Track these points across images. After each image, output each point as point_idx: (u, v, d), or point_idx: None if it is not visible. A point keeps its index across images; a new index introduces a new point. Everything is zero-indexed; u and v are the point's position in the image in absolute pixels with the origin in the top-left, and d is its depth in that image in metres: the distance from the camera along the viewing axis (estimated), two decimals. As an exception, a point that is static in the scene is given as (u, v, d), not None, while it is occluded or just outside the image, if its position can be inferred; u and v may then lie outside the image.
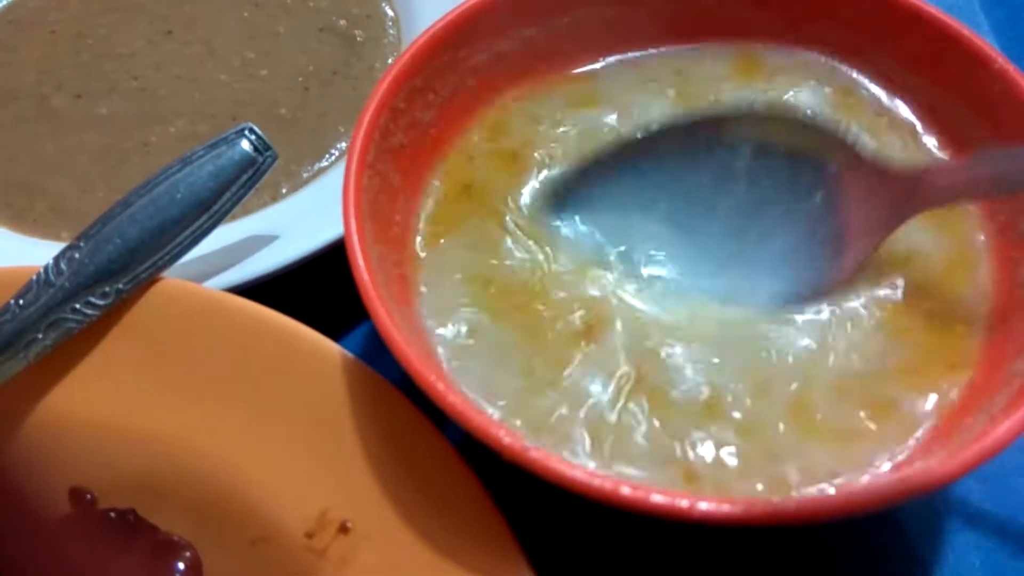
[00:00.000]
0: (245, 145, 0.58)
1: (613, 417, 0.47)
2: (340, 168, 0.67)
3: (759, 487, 0.45)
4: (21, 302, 0.55)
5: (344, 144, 0.70)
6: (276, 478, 0.52)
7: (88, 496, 0.54)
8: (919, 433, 0.47)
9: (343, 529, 0.50)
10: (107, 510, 0.53)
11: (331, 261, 0.59)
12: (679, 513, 0.40)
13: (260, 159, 0.58)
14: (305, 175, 0.69)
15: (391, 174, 0.54)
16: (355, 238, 0.48)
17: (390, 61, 0.74)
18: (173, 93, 0.75)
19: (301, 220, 0.64)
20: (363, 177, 0.51)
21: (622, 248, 0.53)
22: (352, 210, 0.49)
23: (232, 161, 0.58)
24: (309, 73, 0.75)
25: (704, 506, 0.40)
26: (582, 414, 0.47)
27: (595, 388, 0.48)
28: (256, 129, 0.58)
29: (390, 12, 0.79)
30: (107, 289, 0.57)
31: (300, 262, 0.60)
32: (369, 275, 0.46)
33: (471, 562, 0.47)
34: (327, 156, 0.70)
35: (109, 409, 0.55)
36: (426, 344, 0.49)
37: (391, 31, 0.78)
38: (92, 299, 0.56)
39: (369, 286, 0.46)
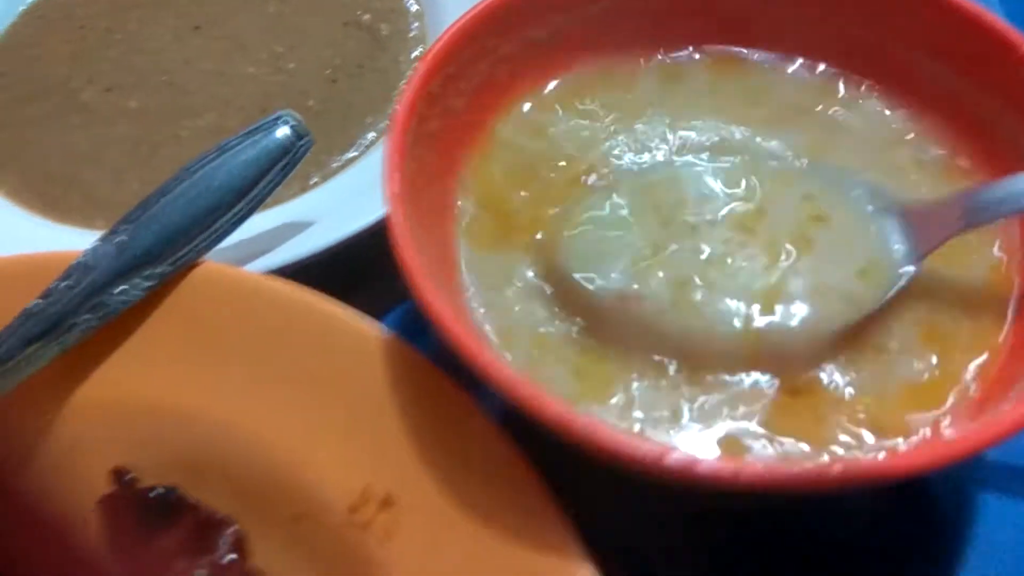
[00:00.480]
0: (284, 131, 0.59)
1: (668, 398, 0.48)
2: (368, 157, 0.69)
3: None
4: (64, 285, 0.56)
5: (372, 135, 0.72)
6: (318, 455, 0.53)
7: (129, 475, 0.55)
8: (949, 404, 0.48)
9: (386, 503, 0.51)
10: (148, 488, 0.54)
11: (362, 248, 0.60)
12: (725, 480, 0.41)
13: (298, 145, 0.59)
14: (335, 165, 0.70)
15: (428, 158, 0.55)
16: (398, 219, 0.49)
17: (415, 55, 0.75)
18: (202, 87, 0.76)
19: (334, 208, 0.65)
20: (403, 160, 0.52)
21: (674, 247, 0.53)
22: (394, 192, 0.50)
23: (270, 147, 0.59)
24: (336, 66, 0.76)
25: (750, 472, 0.41)
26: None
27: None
28: (295, 115, 0.59)
29: (414, 6, 0.80)
30: (148, 272, 0.58)
31: (334, 248, 0.61)
32: (414, 255, 0.47)
33: (515, 533, 0.48)
34: (355, 146, 0.71)
35: (151, 390, 0.56)
36: (469, 321, 0.50)
37: (415, 25, 0.79)
38: (133, 282, 0.57)
39: (414, 265, 0.47)
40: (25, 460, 0.57)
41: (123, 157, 0.72)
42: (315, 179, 0.69)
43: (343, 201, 0.65)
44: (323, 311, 0.55)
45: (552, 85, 0.60)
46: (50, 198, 0.70)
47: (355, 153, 0.71)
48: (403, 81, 0.73)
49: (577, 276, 0.51)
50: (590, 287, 0.50)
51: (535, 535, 0.48)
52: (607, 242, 0.52)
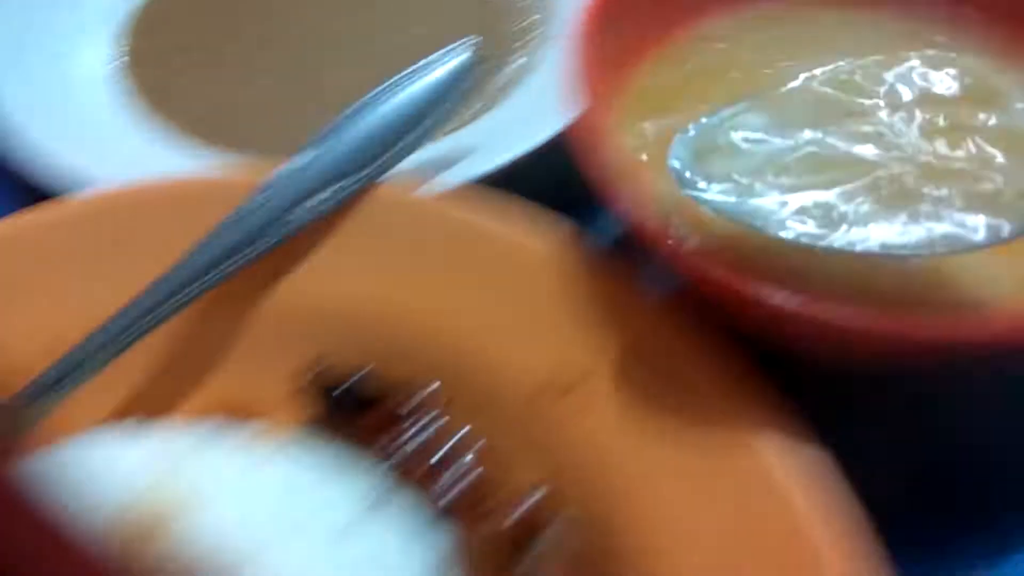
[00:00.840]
0: (463, 57, 0.63)
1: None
2: (529, 85, 0.73)
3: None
4: (259, 200, 0.61)
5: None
6: (504, 347, 0.57)
7: (326, 365, 0.59)
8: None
9: (570, 389, 0.55)
10: (346, 375, 0.58)
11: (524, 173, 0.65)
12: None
13: (476, 69, 0.63)
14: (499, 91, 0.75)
15: (608, 65, 0.58)
16: (586, 125, 0.53)
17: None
18: (360, 35, 0.81)
19: (501, 133, 0.69)
20: (582, 72, 0.55)
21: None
22: (579, 100, 0.54)
23: (451, 72, 0.63)
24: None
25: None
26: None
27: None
28: (474, 40, 0.63)
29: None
30: (334, 189, 0.62)
31: (507, 168, 0.65)
32: (604, 158, 0.51)
33: (706, 406, 0.51)
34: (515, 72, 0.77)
35: (341, 294, 0.61)
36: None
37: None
38: (320, 199, 0.62)
39: (608, 161, 0.51)
40: (220, 362, 0.62)
41: (283, 105, 0.77)
42: (481, 104, 0.74)
43: (509, 126, 0.69)
44: (498, 222, 0.60)
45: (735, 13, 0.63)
46: (223, 132, 0.76)
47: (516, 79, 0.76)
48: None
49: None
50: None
51: (725, 407, 0.51)
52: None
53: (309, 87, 0.80)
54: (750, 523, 0.48)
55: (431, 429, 0.56)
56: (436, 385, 0.57)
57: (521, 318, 0.58)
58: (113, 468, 0.45)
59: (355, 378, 0.58)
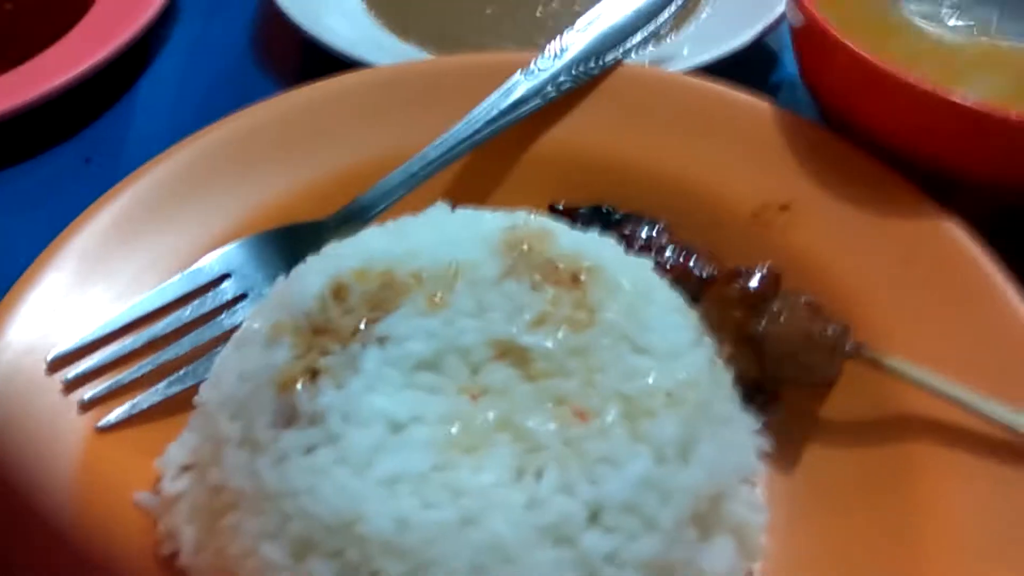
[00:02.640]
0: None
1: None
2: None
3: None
4: (523, 78, 0.78)
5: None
6: (726, 181, 0.73)
7: (562, 201, 0.76)
8: None
9: (784, 208, 0.71)
10: (579, 207, 0.75)
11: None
12: None
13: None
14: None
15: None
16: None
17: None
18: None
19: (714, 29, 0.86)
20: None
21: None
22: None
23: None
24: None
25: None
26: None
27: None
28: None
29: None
30: (584, 69, 0.79)
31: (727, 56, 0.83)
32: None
33: (894, 223, 0.67)
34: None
35: (585, 145, 0.77)
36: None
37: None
38: (573, 75, 0.79)
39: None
40: (494, 193, 0.78)
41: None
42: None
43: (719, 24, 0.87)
44: (714, 87, 0.76)
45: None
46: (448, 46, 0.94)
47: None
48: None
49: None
50: None
51: (913, 224, 0.66)
52: None
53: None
54: (940, 277, 0.64)
55: (668, 243, 0.71)
56: (662, 224, 0.72)
57: (738, 158, 0.74)
58: (480, 217, 0.62)
59: (584, 209, 0.74)
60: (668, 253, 0.71)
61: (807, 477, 0.63)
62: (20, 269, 0.66)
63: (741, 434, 0.58)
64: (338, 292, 0.54)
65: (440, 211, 0.64)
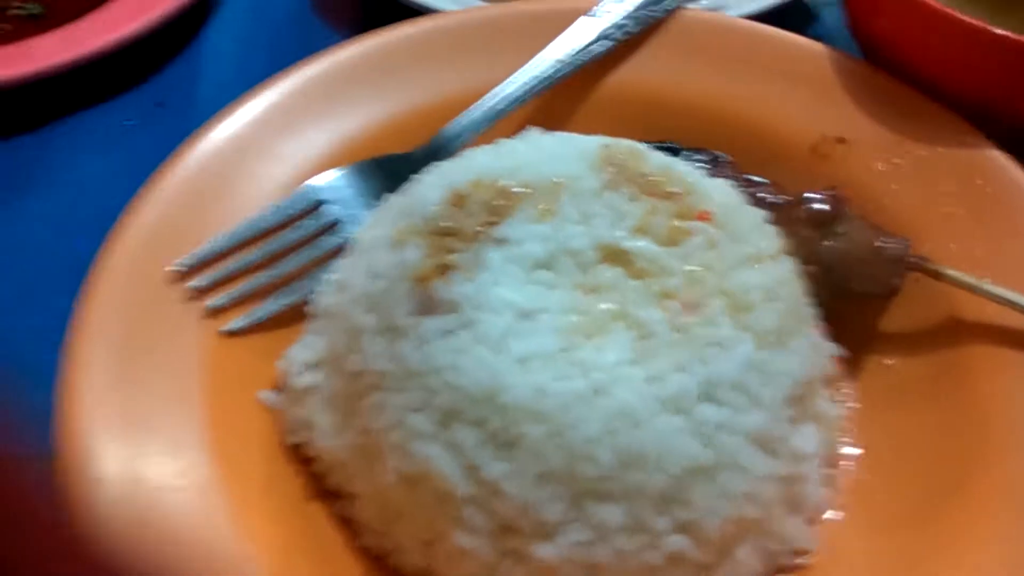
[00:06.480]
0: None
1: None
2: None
3: None
4: (588, 21, 0.83)
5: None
6: (785, 118, 0.78)
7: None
8: None
9: (840, 140, 0.76)
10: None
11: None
12: None
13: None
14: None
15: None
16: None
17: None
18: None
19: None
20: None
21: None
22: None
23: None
24: None
25: None
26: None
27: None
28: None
29: None
30: (646, 12, 0.84)
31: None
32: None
33: (948, 159, 0.72)
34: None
35: (650, 85, 0.83)
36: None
37: None
38: (638, 17, 0.84)
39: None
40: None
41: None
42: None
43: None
44: (771, 31, 0.82)
45: None
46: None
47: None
48: None
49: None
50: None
51: (964, 154, 0.72)
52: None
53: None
54: (991, 202, 0.70)
55: (733, 175, 0.76)
56: (729, 160, 0.78)
57: (795, 96, 0.79)
58: (574, 138, 0.67)
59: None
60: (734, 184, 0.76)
61: (871, 381, 0.69)
62: (99, 205, 0.70)
63: (819, 336, 0.64)
64: (457, 200, 0.59)
65: (534, 134, 0.69)
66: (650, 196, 0.61)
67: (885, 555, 0.62)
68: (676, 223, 0.60)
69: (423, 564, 0.57)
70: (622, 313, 0.56)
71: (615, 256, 0.59)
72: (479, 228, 0.58)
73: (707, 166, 0.77)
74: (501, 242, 0.57)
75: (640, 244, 0.58)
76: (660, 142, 0.80)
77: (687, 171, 0.65)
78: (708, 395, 0.53)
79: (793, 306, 0.60)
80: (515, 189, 0.60)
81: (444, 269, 0.56)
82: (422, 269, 0.56)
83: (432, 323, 0.55)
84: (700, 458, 0.52)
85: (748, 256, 0.59)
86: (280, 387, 0.64)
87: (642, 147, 0.66)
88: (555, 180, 0.61)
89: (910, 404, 0.66)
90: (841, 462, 0.65)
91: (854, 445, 0.66)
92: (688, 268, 0.57)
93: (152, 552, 0.54)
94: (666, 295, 0.57)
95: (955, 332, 0.67)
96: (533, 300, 0.55)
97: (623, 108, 0.83)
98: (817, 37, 0.85)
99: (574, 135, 0.68)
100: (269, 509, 0.59)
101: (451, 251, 0.57)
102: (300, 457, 0.62)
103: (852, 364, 0.69)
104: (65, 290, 0.67)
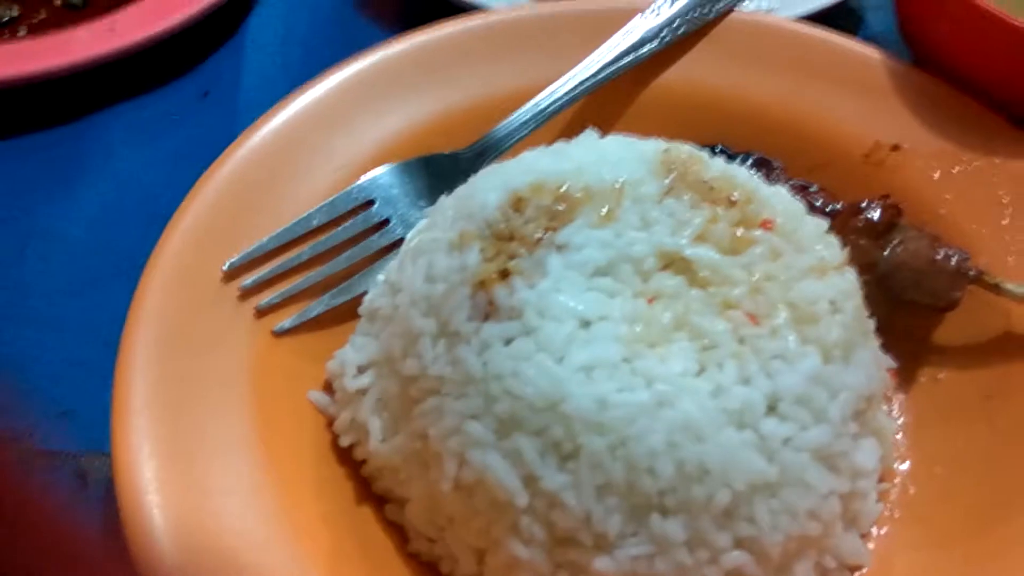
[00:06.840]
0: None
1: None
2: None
3: None
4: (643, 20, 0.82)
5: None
6: (835, 120, 0.77)
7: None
8: None
9: (895, 148, 0.75)
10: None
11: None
12: None
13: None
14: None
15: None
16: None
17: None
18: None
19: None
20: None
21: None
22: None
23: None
24: None
25: None
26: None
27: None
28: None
29: None
30: (705, 10, 0.83)
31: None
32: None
33: (1002, 167, 0.71)
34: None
35: (700, 86, 0.81)
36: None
37: None
38: (689, 19, 0.83)
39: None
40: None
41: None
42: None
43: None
44: (821, 34, 0.81)
45: None
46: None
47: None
48: None
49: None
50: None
51: (1018, 163, 0.71)
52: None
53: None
54: None
55: (786, 181, 0.75)
56: (778, 165, 0.76)
57: (848, 101, 0.78)
58: (632, 141, 0.66)
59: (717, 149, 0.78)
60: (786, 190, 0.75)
61: (921, 394, 0.68)
62: (145, 197, 0.69)
63: (878, 349, 0.63)
64: (517, 204, 0.59)
65: (592, 136, 0.68)
66: (712, 203, 0.60)
67: (936, 570, 0.61)
68: (739, 231, 0.59)
69: (474, 572, 0.56)
70: (684, 322, 0.55)
71: (676, 264, 0.58)
72: (538, 234, 0.57)
73: (760, 171, 0.76)
74: (562, 247, 0.57)
75: (702, 252, 0.57)
76: (711, 145, 0.80)
77: (747, 177, 0.64)
78: (773, 409, 0.53)
79: (857, 319, 0.59)
80: (575, 193, 0.59)
81: (505, 274, 0.55)
82: (482, 273, 0.56)
83: (493, 329, 0.54)
84: (764, 474, 0.51)
85: (812, 267, 0.58)
86: (329, 388, 0.63)
87: (702, 152, 0.65)
88: (615, 185, 0.60)
89: (961, 419, 0.65)
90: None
91: (903, 459, 0.65)
92: (751, 278, 0.57)
93: (204, 555, 0.54)
94: (729, 305, 0.56)
95: (1010, 347, 0.66)
96: (594, 308, 0.54)
97: (673, 110, 0.82)
98: (864, 40, 0.84)
99: (633, 138, 0.67)
100: (319, 512, 0.58)
101: (511, 256, 0.56)
102: (350, 460, 0.61)
103: (903, 376, 0.68)
104: (113, 285, 0.66)
